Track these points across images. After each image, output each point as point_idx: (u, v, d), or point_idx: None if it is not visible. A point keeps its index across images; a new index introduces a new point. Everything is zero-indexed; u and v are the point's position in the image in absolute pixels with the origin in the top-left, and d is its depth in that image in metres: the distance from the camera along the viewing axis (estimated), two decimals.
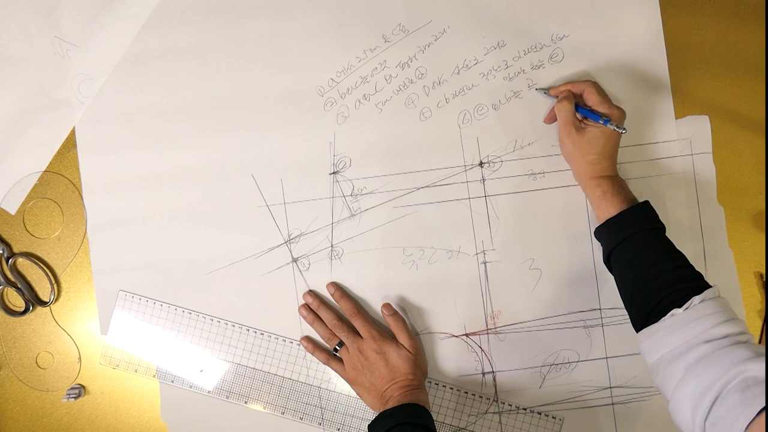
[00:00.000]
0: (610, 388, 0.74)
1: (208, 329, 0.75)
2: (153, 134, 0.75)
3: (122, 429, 0.76)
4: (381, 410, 0.66)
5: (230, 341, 0.75)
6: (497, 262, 0.74)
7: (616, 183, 0.67)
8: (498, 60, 0.74)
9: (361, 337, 0.71)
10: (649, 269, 0.61)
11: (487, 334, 0.74)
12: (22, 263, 0.76)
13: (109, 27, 0.74)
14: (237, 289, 0.75)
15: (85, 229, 0.75)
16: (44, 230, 0.76)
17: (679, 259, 0.62)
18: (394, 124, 0.74)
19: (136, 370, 0.75)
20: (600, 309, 0.74)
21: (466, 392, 0.74)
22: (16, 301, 0.76)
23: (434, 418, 0.73)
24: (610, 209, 0.66)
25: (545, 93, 0.73)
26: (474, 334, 0.74)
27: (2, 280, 0.75)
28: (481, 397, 0.74)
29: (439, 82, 0.74)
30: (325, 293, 0.75)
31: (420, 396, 0.67)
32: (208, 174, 0.75)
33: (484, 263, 0.74)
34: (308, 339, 0.74)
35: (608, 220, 0.66)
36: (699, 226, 0.74)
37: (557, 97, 0.71)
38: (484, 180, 0.74)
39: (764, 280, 0.75)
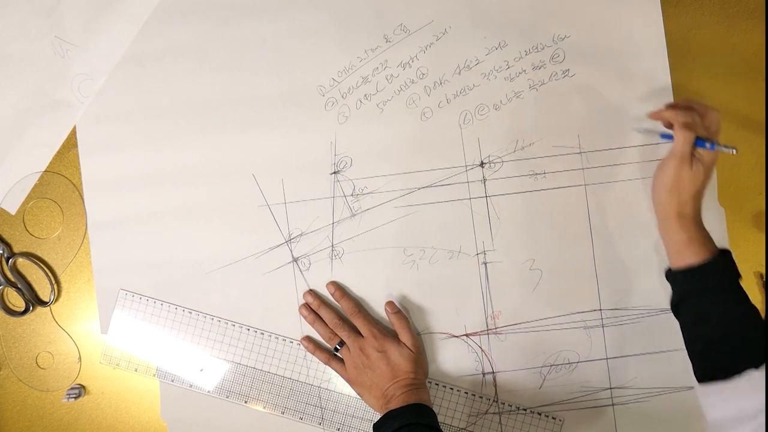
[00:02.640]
0: (611, 389, 0.74)
1: (208, 328, 0.75)
2: (153, 134, 0.74)
3: (122, 429, 0.76)
4: (383, 410, 0.66)
5: (230, 341, 0.75)
6: (498, 262, 0.74)
7: (702, 228, 0.64)
8: (499, 60, 0.74)
9: (362, 336, 0.71)
10: (725, 326, 0.59)
11: (488, 334, 0.74)
12: (22, 263, 0.76)
13: (109, 27, 0.74)
14: (237, 288, 0.75)
15: (85, 229, 0.75)
16: (44, 230, 0.76)
17: (754, 316, 0.60)
18: (395, 124, 0.74)
19: (136, 370, 0.75)
20: (600, 310, 0.74)
21: (466, 392, 0.74)
22: (16, 301, 0.76)
23: None
24: (693, 257, 0.63)
25: (647, 129, 0.70)
26: (474, 334, 0.74)
27: (2, 280, 0.75)
28: (481, 397, 0.74)
29: (441, 83, 0.74)
30: (326, 293, 0.75)
31: (422, 395, 0.67)
32: (209, 173, 0.74)
33: (485, 263, 0.74)
34: (309, 339, 0.74)
35: (689, 269, 0.63)
36: None
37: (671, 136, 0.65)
38: (484, 180, 0.74)
39: (764, 280, 0.75)
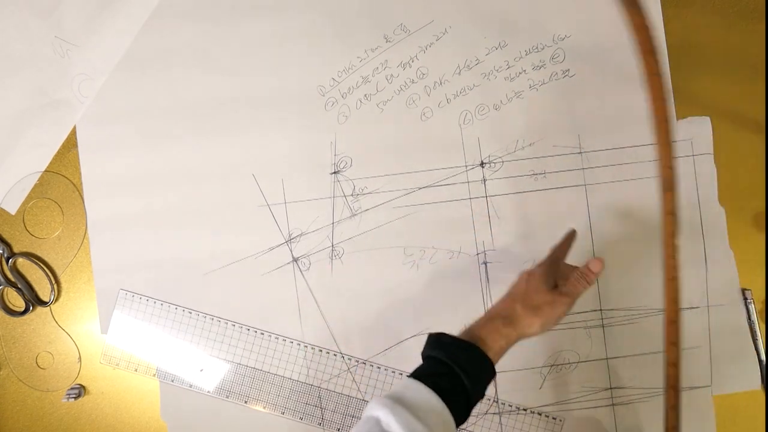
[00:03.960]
0: (611, 389, 0.74)
1: (208, 329, 0.75)
2: (153, 134, 0.74)
3: (122, 429, 0.76)
4: (489, 310, 0.60)
5: (230, 341, 0.75)
6: (498, 262, 0.74)
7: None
8: (499, 60, 0.74)
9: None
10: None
11: None
12: (22, 263, 0.76)
13: (109, 27, 0.74)
14: (237, 288, 0.75)
15: (85, 229, 0.75)
16: (44, 230, 0.76)
17: None
18: (395, 123, 0.74)
19: (136, 370, 0.75)
20: (600, 310, 0.74)
21: None
22: (16, 301, 0.76)
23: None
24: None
25: None
26: None
27: (2, 280, 0.75)
28: None
29: (441, 82, 0.74)
30: (323, 293, 0.74)
31: (508, 342, 0.57)
32: (209, 173, 0.74)
33: (485, 263, 0.74)
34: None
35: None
36: (700, 226, 0.75)
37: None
38: (485, 180, 0.74)
39: (765, 279, 0.75)
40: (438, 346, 0.56)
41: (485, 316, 0.59)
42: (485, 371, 0.55)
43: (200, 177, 0.74)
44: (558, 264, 0.63)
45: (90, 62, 0.74)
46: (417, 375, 0.54)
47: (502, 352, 0.57)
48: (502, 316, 0.58)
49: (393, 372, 0.74)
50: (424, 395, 0.52)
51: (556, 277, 0.61)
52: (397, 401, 0.51)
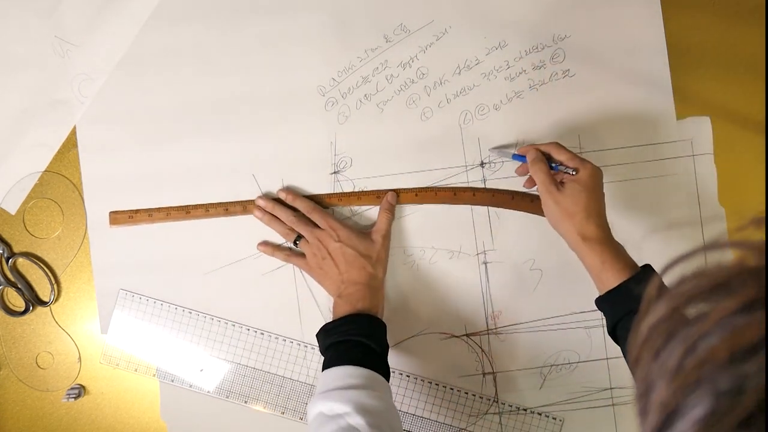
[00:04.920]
0: (611, 389, 0.74)
1: (208, 329, 0.75)
2: (153, 134, 0.74)
3: (122, 429, 0.76)
4: (335, 302, 0.68)
5: (230, 341, 0.75)
6: (498, 262, 0.74)
7: (614, 249, 0.62)
8: (499, 60, 0.74)
9: (321, 229, 0.71)
10: None
11: (488, 334, 0.74)
12: (22, 263, 0.76)
13: (109, 27, 0.74)
14: (237, 288, 0.75)
15: (85, 229, 0.75)
16: (44, 230, 0.76)
17: None
18: (395, 124, 0.74)
19: (136, 370, 0.75)
20: None
21: (466, 392, 0.74)
22: (16, 301, 0.76)
23: (434, 418, 0.74)
24: (611, 280, 0.61)
25: (500, 152, 0.72)
26: (474, 334, 0.74)
27: (2, 280, 0.75)
28: (481, 397, 0.74)
29: (441, 82, 0.74)
30: (323, 293, 0.74)
31: (372, 298, 0.67)
32: (209, 173, 0.74)
33: (485, 263, 0.74)
34: (266, 243, 0.74)
35: (611, 292, 0.61)
36: (700, 227, 0.75)
37: (523, 157, 0.68)
38: (485, 180, 0.74)
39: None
40: (326, 335, 0.65)
41: (339, 298, 0.68)
42: (372, 325, 0.65)
43: (200, 177, 0.74)
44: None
45: (90, 62, 0.74)
46: (326, 365, 0.62)
47: (372, 305, 0.67)
48: (353, 282, 0.68)
49: (393, 371, 0.74)
50: (340, 371, 0.59)
51: (362, 234, 0.71)
52: (324, 390, 0.58)
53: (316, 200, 0.74)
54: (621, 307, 0.60)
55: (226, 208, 0.74)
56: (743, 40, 0.76)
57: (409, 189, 0.73)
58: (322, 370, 0.62)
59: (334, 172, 0.74)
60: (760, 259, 0.24)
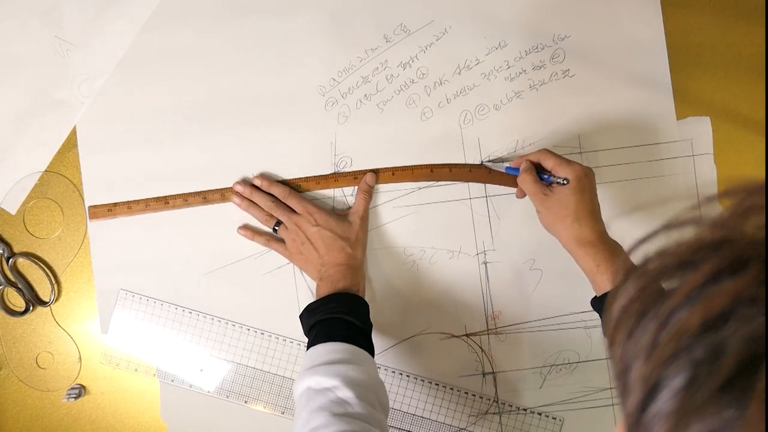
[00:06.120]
0: (611, 389, 0.74)
1: (208, 329, 0.75)
2: (153, 134, 0.74)
3: (122, 429, 0.76)
4: (317, 285, 0.69)
5: (230, 341, 0.75)
6: (498, 262, 0.74)
7: (608, 250, 0.62)
8: (499, 60, 0.74)
9: (299, 213, 0.72)
10: None
11: (488, 334, 0.74)
12: (22, 263, 0.76)
13: (109, 27, 0.74)
14: (237, 288, 0.74)
15: (86, 229, 0.75)
16: (44, 230, 0.75)
17: None
18: (395, 124, 0.74)
19: (136, 370, 0.75)
20: None
21: (466, 392, 0.74)
22: (16, 301, 0.76)
23: (434, 418, 0.74)
24: (606, 283, 0.61)
25: (494, 165, 0.73)
26: (474, 334, 0.74)
27: (2, 280, 0.75)
28: (481, 397, 0.74)
29: (441, 82, 0.74)
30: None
31: (353, 278, 0.68)
32: (209, 173, 0.74)
33: (485, 263, 0.74)
34: (246, 226, 0.74)
35: (606, 295, 0.61)
36: None
37: (516, 169, 0.69)
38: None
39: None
40: (309, 315, 0.65)
41: (321, 281, 0.68)
42: (354, 302, 0.65)
43: (200, 176, 0.74)
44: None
45: (90, 62, 0.74)
46: (311, 344, 0.62)
47: (352, 283, 0.67)
48: (333, 264, 0.68)
49: (393, 371, 0.74)
50: (325, 347, 0.60)
51: (339, 216, 0.72)
52: (311, 366, 0.58)
53: (293, 185, 0.74)
54: None
55: (205, 197, 0.74)
56: (743, 40, 0.76)
57: (386, 168, 0.74)
58: (307, 350, 0.62)
59: (334, 172, 0.74)
60: (718, 232, 0.25)
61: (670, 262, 0.26)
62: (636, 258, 0.29)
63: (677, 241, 0.26)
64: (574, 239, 0.64)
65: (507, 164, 0.71)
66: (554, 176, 0.66)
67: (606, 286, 0.61)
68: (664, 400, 0.23)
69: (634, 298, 0.27)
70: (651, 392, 0.24)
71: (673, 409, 0.23)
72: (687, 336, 0.23)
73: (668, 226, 0.28)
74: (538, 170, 0.68)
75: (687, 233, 0.26)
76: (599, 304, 0.63)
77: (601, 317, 0.63)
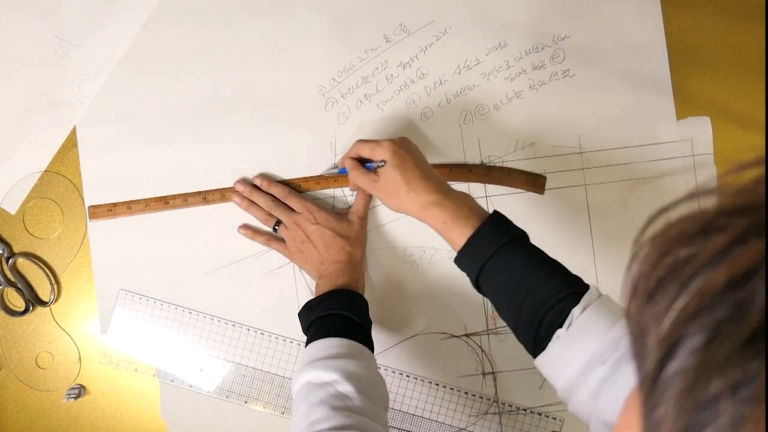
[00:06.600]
0: None
1: (208, 329, 0.75)
2: (153, 134, 0.74)
3: (122, 429, 0.76)
4: (317, 283, 0.69)
5: (230, 341, 0.75)
6: None
7: (452, 206, 0.60)
8: (499, 60, 0.74)
9: (298, 213, 0.72)
10: (519, 289, 0.55)
11: (488, 334, 0.74)
12: (22, 263, 0.76)
13: (109, 27, 0.74)
14: (237, 288, 0.75)
15: (85, 229, 0.75)
16: (44, 230, 0.76)
17: (546, 265, 0.56)
18: (395, 124, 0.74)
19: (136, 370, 0.75)
20: None
21: (466, 393, 0.74)
22: (16, 301, 0.76)
23: (434, 418, 0.74)
24: (459, 238, 0.59)
25: (329, 171, 0.74)
26: (474, 334, 0.74)
27: (2, 280, 0.75)
28: (481, 397, 0.74)
29: (441, 83, 0.74)
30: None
31: (353, 275, 0.68)
32: (209, 173, 0.74)
33: None
34: (246, 226, 0.74)
35: (461, 251, 0.59)
36: None
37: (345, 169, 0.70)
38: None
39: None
40: (308, 312, 0.65)
41: (320, 279, 0.69)
42: (352, 298, 0.66)
43: (200, 177, 0.74)
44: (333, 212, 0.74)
45: (90, 62, 0.74)
46: (310, 340, 0.62)
47: (351, 280, 0.68)
48: (332, 261, 0.69)
49: (393, 371, 0.74)
50: (324, 342, 0.60)
51: (339, 215, 0.72)
52: (310, 361, 0.58)
53: (293, 185, 0.74)
54: (476, 261, 0.57)
55: (205, 197, 0.74)
56: (743, 40, 0.76)
57: None
58: (305, 346, 0.62)
59: None
60: (742, 199, 0.24)
61: (693, 226, 0.25)
62: (658, 226, 0.27)
63: (700, 208, 0.26)
64: (417, 207, 0.62)
65: (337, 168, 0.73)
66: (374, 161, 0.67)
67: (459, 241, 0.59)
68: (684, 357, 0.22)
69: (654, 262, 0.26)
70: (670, 350, 0.23)
71: (694, 365, 0.22)
72: (710, 295, 0.22)
73: (691, 195, 0.27)
74: (362, 161, 0.69)
75: (710, 202, 0.26)
76: (459, 261, 0.60)
77: (466, 273, 0.60)
